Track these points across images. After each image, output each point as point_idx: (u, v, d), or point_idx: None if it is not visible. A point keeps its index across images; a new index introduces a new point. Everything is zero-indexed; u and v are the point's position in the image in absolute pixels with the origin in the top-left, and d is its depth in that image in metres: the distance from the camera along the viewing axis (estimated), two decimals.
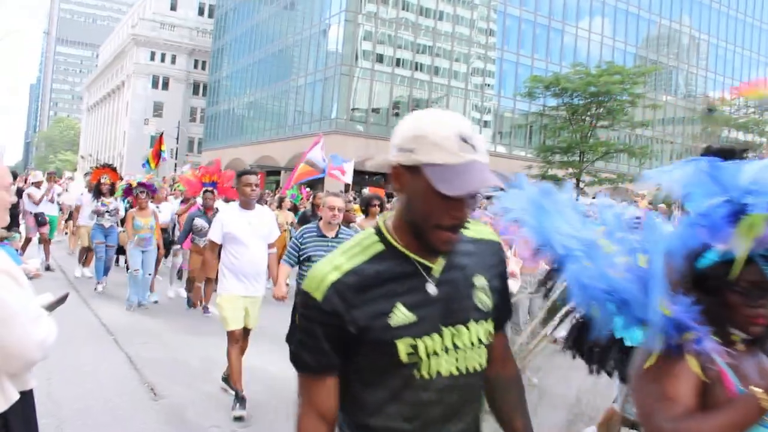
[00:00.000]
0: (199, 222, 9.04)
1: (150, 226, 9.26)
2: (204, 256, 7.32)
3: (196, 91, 68.12)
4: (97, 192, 10.69)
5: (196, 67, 68.54)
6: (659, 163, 49.65)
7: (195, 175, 11.00)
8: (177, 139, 55.37)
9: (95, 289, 10.27)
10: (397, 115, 40.30)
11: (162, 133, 20.02)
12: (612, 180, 35.48)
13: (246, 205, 5.45)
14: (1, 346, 1.81)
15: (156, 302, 9.85)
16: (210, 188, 9.69)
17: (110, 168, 11.43)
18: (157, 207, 10.42)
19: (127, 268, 9.67)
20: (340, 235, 5.25)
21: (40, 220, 12.08)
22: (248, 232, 5.37)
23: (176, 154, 54.36)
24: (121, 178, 13.00)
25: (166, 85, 67.56)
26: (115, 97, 77.85)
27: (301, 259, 5.21)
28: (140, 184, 10.41)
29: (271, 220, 5.78)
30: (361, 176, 30.61)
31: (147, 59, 67.16)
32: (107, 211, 10.48)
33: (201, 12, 70.50)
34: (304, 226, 5.55)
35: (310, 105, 42.18)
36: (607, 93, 34.02)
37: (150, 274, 9.59)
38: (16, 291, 1.86)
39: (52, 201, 12.77)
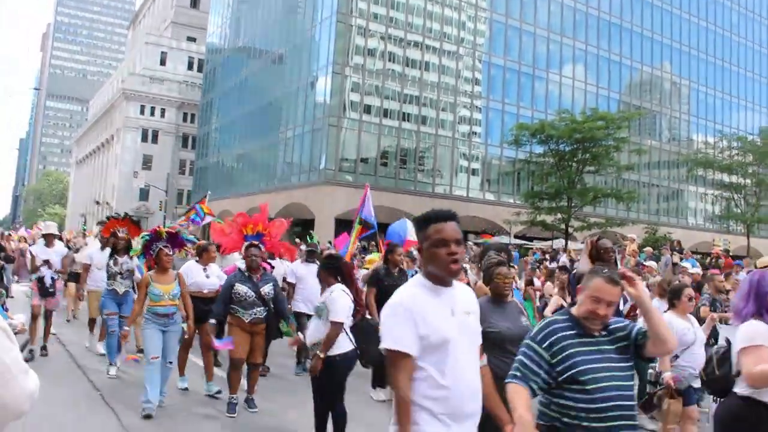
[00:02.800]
0: (242, 289, 6.77)
1: (172, 295, 6.91)
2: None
3: (185, 144, 68.58)
4: (111, 249, 8.60)
5: (185, 120, 69.15)
6: (646, 206, 50.21)
7: (232, 225, 8.56)
8: (166, 191, 55.48)
9: (107, 372, 8.15)
10: (385, 164, 40.65)
11: (205, 196, 14.69)
12: (600, 224, 35.67)
13: (440, 280, 2.76)
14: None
15: (219, 392, 7.44)
16: (255, 242, 7.35)
17: (130, 220, 9.24)
18: (204, 269, 8.03)
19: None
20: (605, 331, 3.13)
21: (47, 288, 9.23)
22: (456, 330, 2.72)
23: (165, 206, 54.37)
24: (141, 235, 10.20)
25: (155, 138, 67.99)
26: (105, 150, 78.15)
27: (560, 379, 3.00)
28: (168, 235, 7.36)
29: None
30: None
31: (137, 113, 67.70)
32: (120, 273, 8.36)
33: (190, 66, 71.47)
34: (550, 320, 3.20)
35: (299, 156, 42.46)
36: (592, 138, 34.46)
37: (171, 363, 7.02)
38: (8, 345, 1.89)
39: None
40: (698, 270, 14.72)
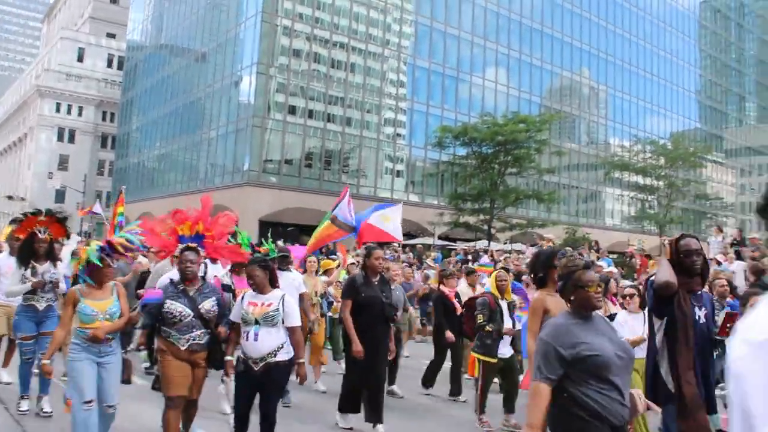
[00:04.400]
0: (176, 307, 5.19)
1: (110, 315, 5.17)
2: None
3: (104, 144, 66.14)
4: (27, 253, 6.71)
5: (104, 119, 66.69)
6: (566, 207, 51.72)
7: (164, 223, 6.32)
8: (83, 193, 53.41)
9: (18, 406, 6.56)
10: (309, 166, 40.35)
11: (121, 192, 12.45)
12: (522, 225, 36.47)
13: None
14: None
15: None
16: (192, 245, 5.57)
17: (54, 218, 6.95)
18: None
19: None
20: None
21: None
22: None
23: (82, 208, 52.31)
24: (68, 236, 7.82)
25: (72, 138, 65.22)
26: (17, 149, 74.47)
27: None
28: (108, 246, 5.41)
29: None
30: (275, 228, 30.24)
31: (52, 111, 64.77)
32: (46, 283, 6.67)
33: (110, 63, 69.00)
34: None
35: (223, 157, 41.65)
36: (513, 141, 35.24)
37: (112, 407, 5.13)
38: None
39: None
40: (613, 269, 15.33)
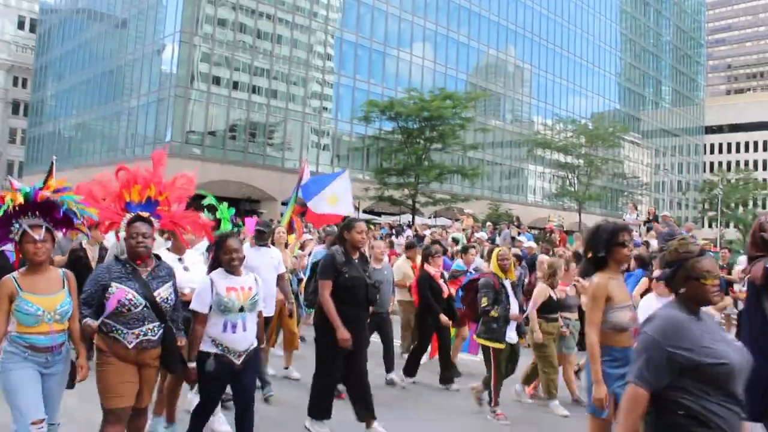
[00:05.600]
0: (125, 293, 4.09)
1: (60, 314, 3.90)
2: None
3: (16, 111, 63.00)
4: None
5: (15, 84, 63.47)
6: (490, 183, 52.80)
7: (106, 187, 4.85)
8: None
9: None
10: (234, 138, 39.65)
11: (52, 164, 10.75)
12: (446, 200, 37.04)
13: None
14: None
15: None
16: (143, 213, 4.45)
17: None
18: (180, 259, 5.55)
19: None
20: None
21: None
22: None
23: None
24: None
25: None
26: None
27: None
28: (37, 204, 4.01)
29: None
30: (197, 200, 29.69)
31: None
32: None
33: (21, 26, 65.50)
34: None
35: (144, 127, 40.37)
36: (439, 117, 35.61)
37: (55, 425, 4.05)
38: None
39: None
40: (533, 244, 15.89)
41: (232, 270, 4.56)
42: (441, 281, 8.14)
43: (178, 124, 37.59)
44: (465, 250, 10.02)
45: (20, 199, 3.84)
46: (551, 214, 43.89)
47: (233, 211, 9.20)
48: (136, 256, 4.18)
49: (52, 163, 10.72)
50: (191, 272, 5.44)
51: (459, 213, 25.31)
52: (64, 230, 4.33)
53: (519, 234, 18.46)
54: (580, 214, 47.99)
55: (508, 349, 6.72)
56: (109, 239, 8.11)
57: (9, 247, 5.15)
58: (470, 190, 45.99)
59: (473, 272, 8.91)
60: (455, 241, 15.66)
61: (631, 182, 65.94)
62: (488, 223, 23.72)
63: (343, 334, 5.38)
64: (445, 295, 8.03)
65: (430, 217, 38.21)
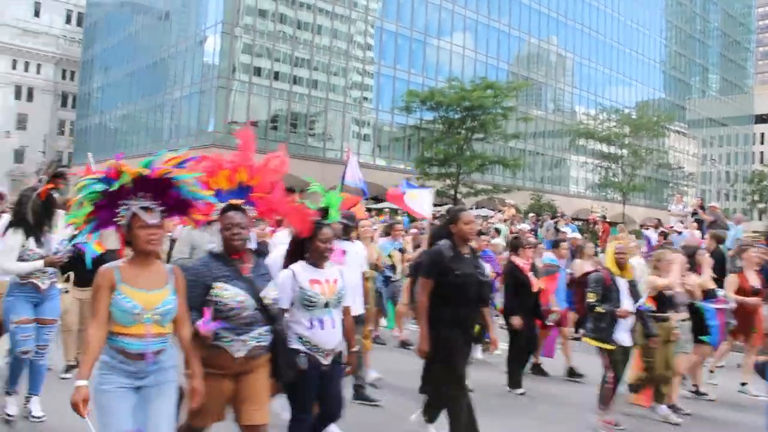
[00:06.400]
0: (229, 292, 3.57)
1: (161, 314, 3.21)
2: None
3: (64, 103, 64.51)
4: (38, 220, 5.09)
5: (64, 77, 64.92)
6: (532, 174, 52.22)
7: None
8: (44, 153, 52.27)
9: (4, 409, 5.16)
10: (275, 128, 39.97)
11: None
12: (487, 191, 36.77)
13: None
14: None
15: None
16: (236, 201, 3.83)
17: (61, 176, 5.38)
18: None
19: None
20: None
21: None
22: None
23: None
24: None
25: (30, 96, 63.45)
26: None
27: None
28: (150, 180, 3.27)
29: None
30: None
31: (8, 68, 62.77)
32: (43, 257, 5.04)
33: (68, 20, 66.86)
34: None
35: (187, 118, 41.02)
36: (480, 107, 35.33)
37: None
38: None
39: None
40: (577, 235, 15.63)
41: (321, 262, 4.12)
42: (530, 274, 7.39)
43: (220, 114, 38.08)
44: (556, 244, 9.40)
45: (137, 172, 3.16)
46: (594, 204, 43.23)
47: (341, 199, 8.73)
48: (233, 250, 3.62)
49: (88, 158, 10.16)
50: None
51: (501, 204, 25.05)
52: (178, 218, 3.60)
53: (562, 225, 18.15)
54: (624, 205, 47.23)
55: (621, 351, 5.98)
56: (177, 229, 7.49)
57: (83, 240, 4.23)
58: (512, 181, 45.56)
59: (564, 269, 8.52)
60: (497, 231, 15.49)
61: (677, 173, 64.51)
62: (531, 214, 23.49)
63: (425, 345, 4.79)
64: (535, 289, 7.31)
65: (471, 208, 37.90)
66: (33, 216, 5.04)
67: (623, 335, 5.97)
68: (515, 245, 7.68)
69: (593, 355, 6.24)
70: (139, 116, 47.46)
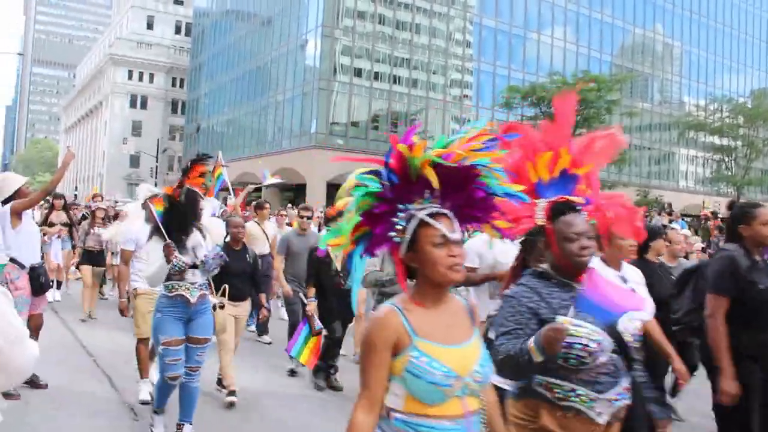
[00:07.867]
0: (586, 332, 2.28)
1: (481, 379, 1.97)
2: None
3: (174, 109, 68.04)
4: (181, 223, 4.63)
5: (174, 85, 68.52)
6: (638, 169, 50.32)
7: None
8: (156, 157, 55.14)
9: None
10: (376, 128, 40.47)
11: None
12: None
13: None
14: (16, 364, 1.85)
15: None
16: (574, 200, 2.78)
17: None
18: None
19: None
20: None
21: (41, 281, 5.70)
22: None
23: (156, 172, 54.05)
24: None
25: (144, 104, 67.45)
26: (94, 117, 77.38)
27: None
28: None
29: None
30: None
31: (125, 78, 66.97)
32: (195, 265, 4.62)
33: (178, 30, 70.54)
34: None
35: (290, 121, 42.24)
36: (583, 101, 34.39)
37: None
38: (13, 311, 1.90)
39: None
40: (687, 232, 14.95)
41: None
42: None
43: (323, 116, 38.96)
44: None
45: (430, 159, 1.96)
46: (706, 200, 41.22)
47: None
48: (579, 268, 2.53)
49: (218, 155, 10.24)
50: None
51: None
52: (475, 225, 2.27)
53: (671, 222, 17.38)
54: (738, 200, 44.70)
55: None
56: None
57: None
58: (617, 176, 44.01)
59: None
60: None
61: None
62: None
63: (729, 386, 3.58)
64: None
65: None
66: (173, 219, 4.56)
67: None
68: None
69: None
70: (244, 120, 49.29)
